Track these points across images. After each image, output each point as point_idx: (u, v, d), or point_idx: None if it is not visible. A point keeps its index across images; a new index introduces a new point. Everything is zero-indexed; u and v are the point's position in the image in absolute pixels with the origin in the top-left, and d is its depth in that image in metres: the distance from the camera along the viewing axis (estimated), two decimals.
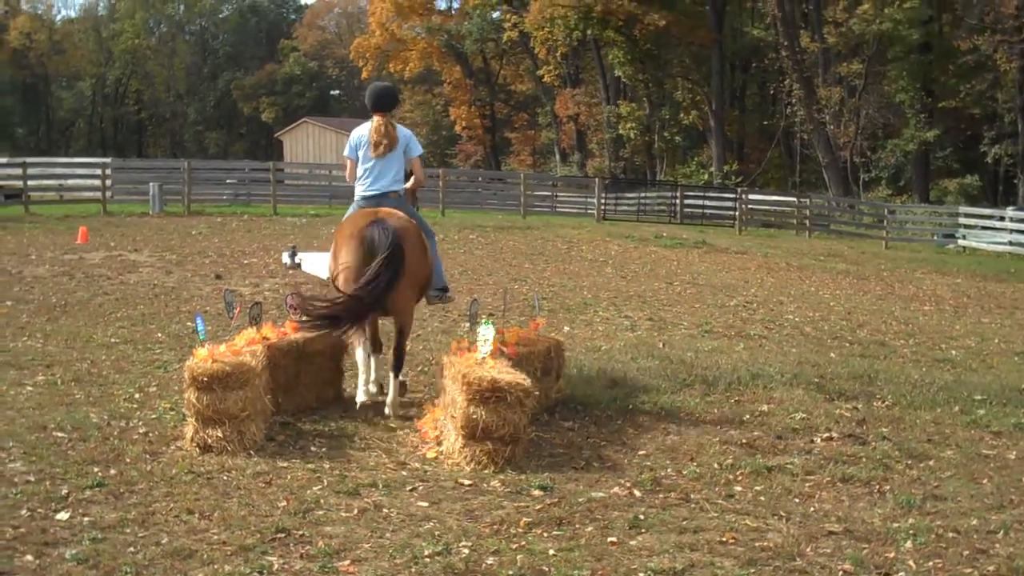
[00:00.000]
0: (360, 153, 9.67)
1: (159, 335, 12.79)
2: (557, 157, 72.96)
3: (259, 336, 8.88)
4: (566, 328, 14.04)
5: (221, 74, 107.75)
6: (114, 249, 22.38)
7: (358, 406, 9.25)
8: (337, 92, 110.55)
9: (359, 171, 9.70)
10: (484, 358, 8.28)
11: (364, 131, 9.73)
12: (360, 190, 9.66)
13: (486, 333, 8.46)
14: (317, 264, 19.55)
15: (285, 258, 20.31)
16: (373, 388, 9.54)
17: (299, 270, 19.63)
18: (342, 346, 9.80)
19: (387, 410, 9.22)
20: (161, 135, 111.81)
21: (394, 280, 8.78)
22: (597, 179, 45.58)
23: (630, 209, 45.37)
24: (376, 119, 9.65)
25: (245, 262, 20.76)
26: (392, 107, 9.89)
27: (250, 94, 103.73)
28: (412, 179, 10.02)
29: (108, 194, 34.84)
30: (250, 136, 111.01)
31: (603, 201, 41.35)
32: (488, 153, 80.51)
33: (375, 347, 9.67)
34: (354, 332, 9.06)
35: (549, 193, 46.84)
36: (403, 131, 9.78)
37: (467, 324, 10.75)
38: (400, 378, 9.44)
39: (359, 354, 9.45)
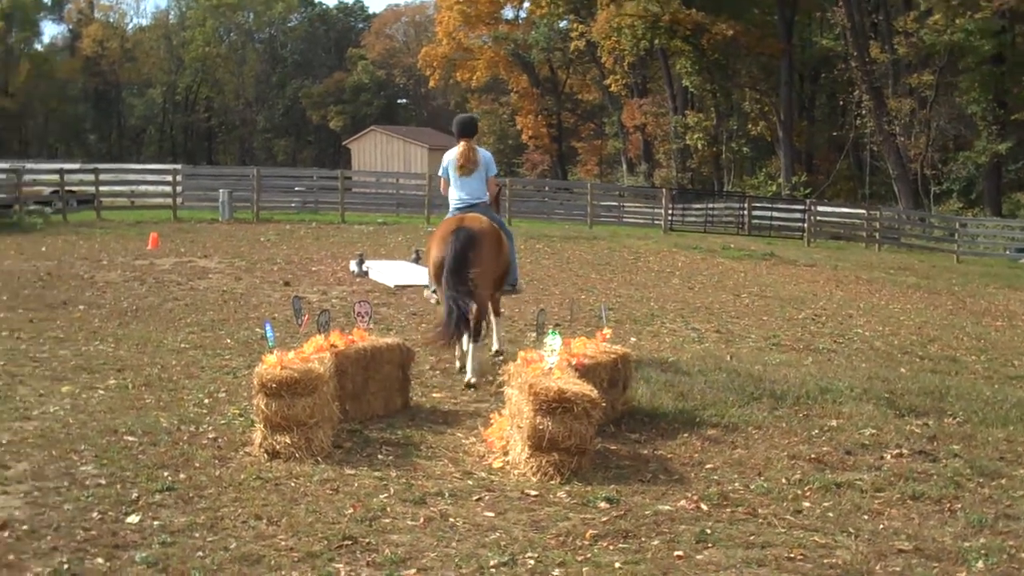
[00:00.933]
0: (450, 172, 11.66)
1: (228, 341, 12.93)
2: (624, 167, 72.80)
3: (327, 343, 8.93)
4: (633, 339, 14.00)
5: (290, 82, 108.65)
6: (184, 255, 22.66)
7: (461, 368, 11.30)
8: (404, 101, 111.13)
9: (451, 187, 11.72)
10: (551, 368, 8.28)
11: (453, 154, 11.65)
12: (453, 202, 11.68)
13: (553, 343, 8.47)
14: (385, 272, 19.68)
15: (353, 266, 20.45)
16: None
17: (367, 278, 19.74)
18: (410, 355, 9.88)
19: (469, 376, 10.76)
20: (230, 142, 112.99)
21: (464, 268, 10.50)
22: (664, 190, 45.46)
23: (697, 220, 45.17)
24: (462, 144, 11.57)
25: (313, 269, 20.93)
26: (474, 134, 11.80)
27: (318, 102, 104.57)
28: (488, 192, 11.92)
29: (178, 200, 35.28)
30: (318, 144, 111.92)
31: (670, 212, 41.23)
32: (555, 162, 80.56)
33: (475, 336, 10.93)
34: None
35: (616, 203, 46.71)
36: (484, 154, 11.78)
37: (534, 334, 10.77)
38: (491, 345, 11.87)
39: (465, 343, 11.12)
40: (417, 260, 21.51)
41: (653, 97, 67.99)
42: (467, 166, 11.51)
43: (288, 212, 37.57)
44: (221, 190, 35.11)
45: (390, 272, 19.70)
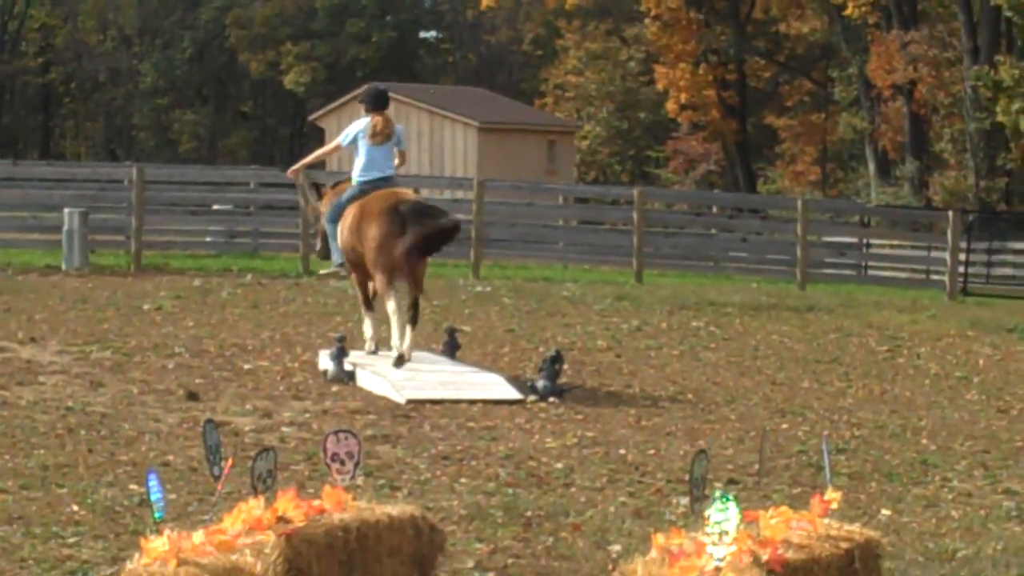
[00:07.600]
0: (359, 142, 20.05)
1: (73, 507, 12.98)
2: (870, 167, 72.81)
3: (271, 515, 8.96)
4: (885, 512, 13.98)
5: (206, 1, 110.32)
6: None
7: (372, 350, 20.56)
8: (433, 34, 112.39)
9: (357, 158, 20.30)
10: (718, 568, 8.26)
11: (364, 123, 20.13)
12: (362, 174, 20.14)
13: (723, 518, 8.46)
14: (386, 373, 19.69)
15: (325, 361, 20.54)
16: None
17: (351, 384, 19.80)
18: (435, 538, 9.83)
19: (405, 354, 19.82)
20: (87, 115, 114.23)
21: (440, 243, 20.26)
22: (951, 212, 45.30)
23: (1020, 274, 44.98)
24: (374, 116, 20.26)
25: (246, 368, 21.06)
26: (387, 105, 21.02)
27: (261, 38, 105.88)
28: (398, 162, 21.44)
29: None
30: (260, 119, 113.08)
31: (965, 256, 41.08)
32: (731, 157, 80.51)
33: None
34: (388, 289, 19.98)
35: (853, 239, 46.76)
36: (397, 126, 20.74)
37: (682, 499, 10.76)
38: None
39: (390, 306, 19.95)
40: (453, 346, 21.24)
41: (930, 28, 68.00)
42: (382, 134, 20.06)
43: (199, 253, 37.86)
44: (66, 210, 35.37)
45: (396, 374, 19.75)
